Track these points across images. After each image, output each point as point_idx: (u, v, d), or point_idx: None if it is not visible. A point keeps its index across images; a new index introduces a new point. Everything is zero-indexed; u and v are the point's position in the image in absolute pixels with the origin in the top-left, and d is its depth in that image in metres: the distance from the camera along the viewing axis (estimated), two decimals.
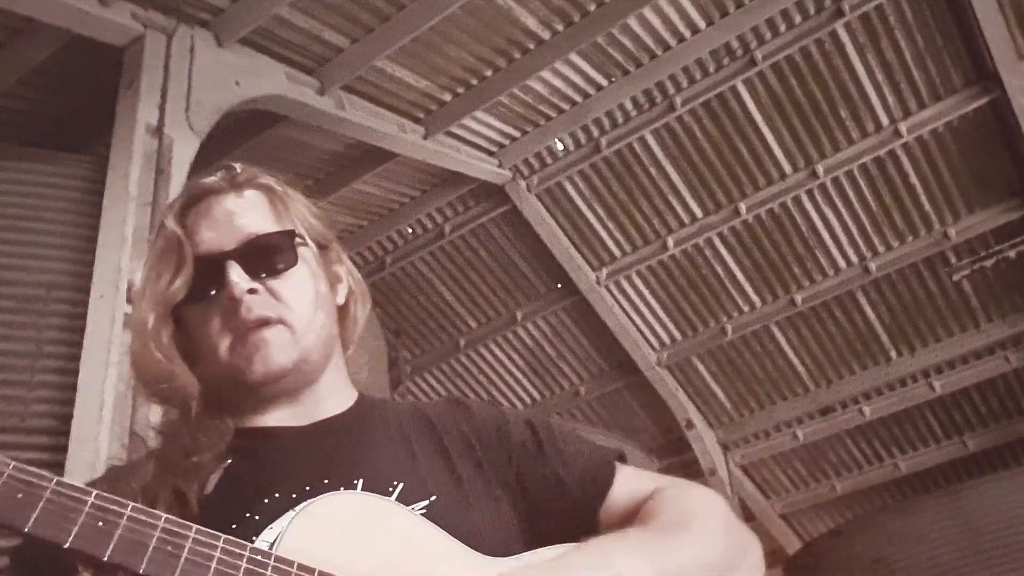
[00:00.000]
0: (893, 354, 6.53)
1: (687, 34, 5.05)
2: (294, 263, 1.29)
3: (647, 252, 6.11)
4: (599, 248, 6.13)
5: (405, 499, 1.16)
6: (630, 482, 1.28)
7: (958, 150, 5.55)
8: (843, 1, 4.95)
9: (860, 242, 5.98)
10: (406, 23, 4.46)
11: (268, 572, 0.99)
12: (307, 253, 1.32)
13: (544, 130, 5.51)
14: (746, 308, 6.38)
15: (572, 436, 1.33)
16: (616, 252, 6.14)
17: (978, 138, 5.48)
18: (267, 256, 1.28)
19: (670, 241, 6.03)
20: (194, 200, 1.33)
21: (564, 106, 5.38)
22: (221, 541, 0.98)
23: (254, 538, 1.06)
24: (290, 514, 1.08)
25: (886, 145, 5.51)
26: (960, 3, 4.92)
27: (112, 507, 0.96)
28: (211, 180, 1.35)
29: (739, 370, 6.74)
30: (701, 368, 6.75)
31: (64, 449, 3.28)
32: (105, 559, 0.93)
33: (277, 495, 1.14)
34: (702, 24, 5.01)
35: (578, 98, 5.35)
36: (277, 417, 1.28)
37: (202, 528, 0.99)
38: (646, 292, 6.32)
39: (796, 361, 6.65)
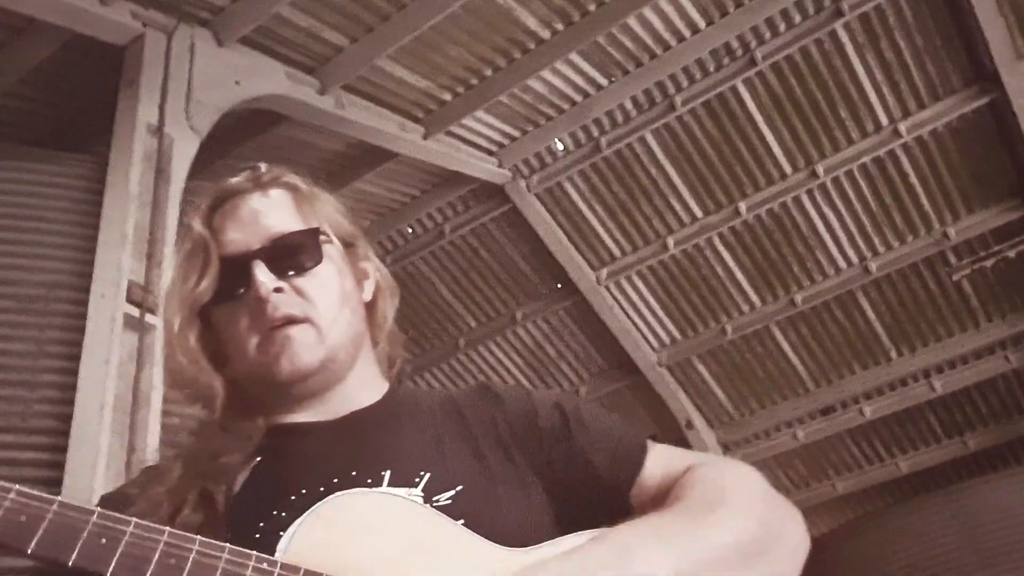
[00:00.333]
0: (893, 354, 6.53)
1: (687, 34, 5.05)
2: (319, 261, 1.30)
3: (647, 252, 6.11)
4: (599, 248, 6.14)
5: (431, 489, 1.15)
6: (663, 461, 1.25)
7: (958, 150, 5.55)
8: (843, 1, 4.95)
9: (860, 242, 5.98)
10: (406, 22, 4.47)
11: None
12: (332, 251, 1.32)
13: (544, 130, 5.51)
14: (746, 308, 6.38)
15: (603, 417, 1.31)
16: (616, 252, 6.14)
17: (977, 138, 5.48)
18: (293, 255, 1.28)
19: (670, 241, 6.03)
20: (220, 201, 1.33)
21: (564, 106, 5.39)
22: (225, 552, 0.99)
23: (281, 535, 1.06)
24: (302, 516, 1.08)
25: (886, 145, 5.51)
26: (960, 3, 4.92)
27: (115, 524, 0.97)
28: (236, 180, 1.35)
29: (739, 370, 6.74)
30: (701, 368, 6.75)
31: (64, 448, 3.29)
32: (108, 575, 0.94)
33: (304, 491, 1.14)
34: (702, 24, 5.02)
35: (578, 98, 5.35)
36: (306, 414, 1.28)
37: (206, 540, 0.99)
38: (646, 292, 6.33)
39: (796, 361, 6.65)
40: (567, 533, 1.12)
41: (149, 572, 0.95)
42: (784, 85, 5.32)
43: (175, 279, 1.31)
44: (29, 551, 0.93)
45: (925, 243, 5.92)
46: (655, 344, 6.61)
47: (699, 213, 5.91)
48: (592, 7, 4.71)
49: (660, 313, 6.44)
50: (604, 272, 6.21)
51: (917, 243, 5.94)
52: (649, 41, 5.04)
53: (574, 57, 5.01)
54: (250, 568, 0.98)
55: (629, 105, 5.45)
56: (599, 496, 1.22)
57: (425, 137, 5.22)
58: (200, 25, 4.24)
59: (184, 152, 3.92)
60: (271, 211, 1.31)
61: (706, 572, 1.06)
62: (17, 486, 0.95)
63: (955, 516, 6.29)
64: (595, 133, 5.59)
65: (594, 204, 5.92)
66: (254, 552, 1.00)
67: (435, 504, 1.14)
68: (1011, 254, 5.84)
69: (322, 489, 1.13)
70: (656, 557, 1.03)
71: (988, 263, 5.89)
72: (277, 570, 0.99)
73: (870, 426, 6.90)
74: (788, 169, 5.68)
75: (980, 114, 5.36)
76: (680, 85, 5.35)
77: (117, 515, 0.98)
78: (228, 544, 1.00)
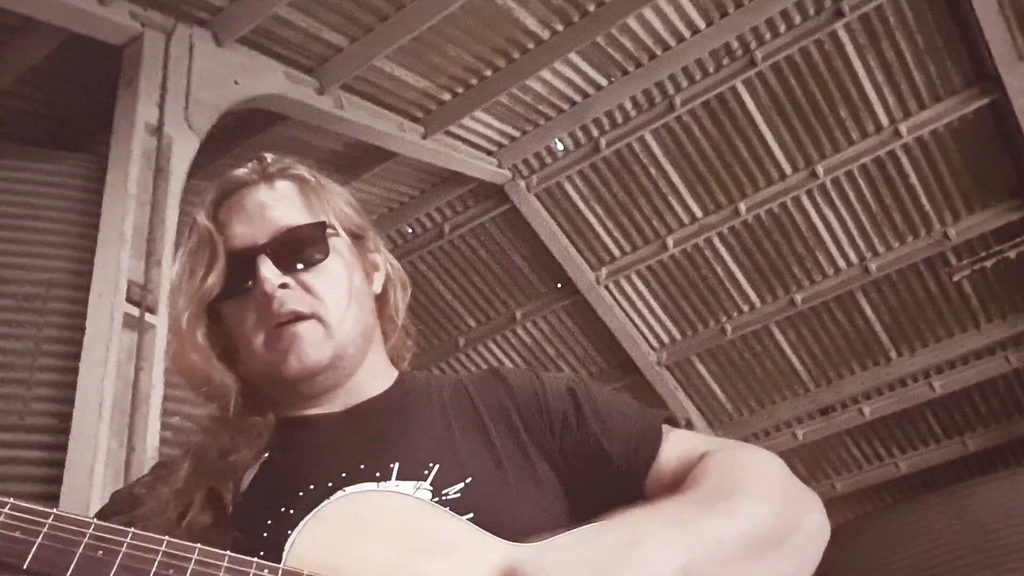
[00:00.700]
0: (893, 354, 6.53)
1: (687, 34, 5.05)
2: (327, 255, 1.27)
3: (647, 252, 6.11)
4: (599, 248, 6.13)
5: (440, 481, 1.13)
6: (679, 446, 1.21)
7: (958, 151, 5.55)
8: (843, 2, 4.94)
9: (860, 242, 5.97)
10: (405, 22, 4.46)
11: None
12: (340, 244, 1.30)
13: (544, 130, 5.51)
14: (746, 308, 6.38)
15: (616, 401, 1.27)
16: (616, 252, 6.14)
17: (978, 139, 5.47)
18: (299, 249, 1.26)
19: (670, 241, 6.03)
20: (226, 194, 1.31)
21: (564, 106, 5.38)
22: (225, 560, 0.97)
23: (289, 532, 1.04)
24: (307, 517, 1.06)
25: (886, 146, 5.50)
26: (960, 4, 4.91)
27: (112, 536, 0.95)
28: (242, 172, 1.33)
29: (739, 370, 6.74)
30: (701, 368, 6.75)
31: (64, 447, 3.29)
32: None
33: (312, 487, 1.13)
34: (702, 24, 5.01)
35: (578, 98, 5.34)
36: (316, 409, 1.26)
37: (205, 549, 0.97)
38: (646, 292, 6.32)
39: (796, 361, 6.65)
40: (580, 523, 1.07)
41: None
42: (784, 85, 5.31)
43: (181, 274, 1.28)
44: (25, 567, 0.91)
45: (925, 243, 5.92)
46: (654, 344, 6.61)
47: (699, 213, 5.91)
48: (591, 7, 4.71)
49: (660, 313, 6.44)
50: (603, 272, 6.21)
51: (917, 243, 5.94)
52: (649, 41, 5.04)
53: (573, 57, 5.01)
54: (251, 575, 0.97)
55: (629, 105, 5.44)
56: (613, 484, 1.19)
57: (424, 137, 5.22)
58: (199, 25, 4.24)
59: (183, 152, 3.92)
60: (277, 204, 1.29)
61: (718, 563, 1.01)
62: (12, 500, 0.94)
63: (955, 516, 6.29)
64: (595, 133, 5.59)
65: (594, 204, 5.92)
66: (255, 560, 0.99)
67: (444, 497, 1.12)
68: (1011, 254, 5.84)
69: (330, 484, 1.12)
70: (666, 547, 0.99)
71: (988, 263, 5.89)
72: None
73: (870, 426, 6.90)
74: (788, 169, 5.68)
75: (981, 115, 5.36)
76: (680, 85, 5.34)
77: (114, 526, 0.96)
78: (228, 552, 0.98)
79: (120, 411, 3.35)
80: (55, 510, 0.95)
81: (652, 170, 5.71)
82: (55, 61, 4.24)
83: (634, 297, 6.33)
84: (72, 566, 0.92)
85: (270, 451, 1.20)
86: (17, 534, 0.92)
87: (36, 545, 0.92)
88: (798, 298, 6.24)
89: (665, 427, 1.24)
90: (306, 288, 1.24)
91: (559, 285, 6.35)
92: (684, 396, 6.87)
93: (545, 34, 4.82)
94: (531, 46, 4.87)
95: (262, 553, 1.00)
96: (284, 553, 1.02)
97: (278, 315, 1.22)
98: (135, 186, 3.72)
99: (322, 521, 1.04)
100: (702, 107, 5.41)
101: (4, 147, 4.09)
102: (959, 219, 5.82)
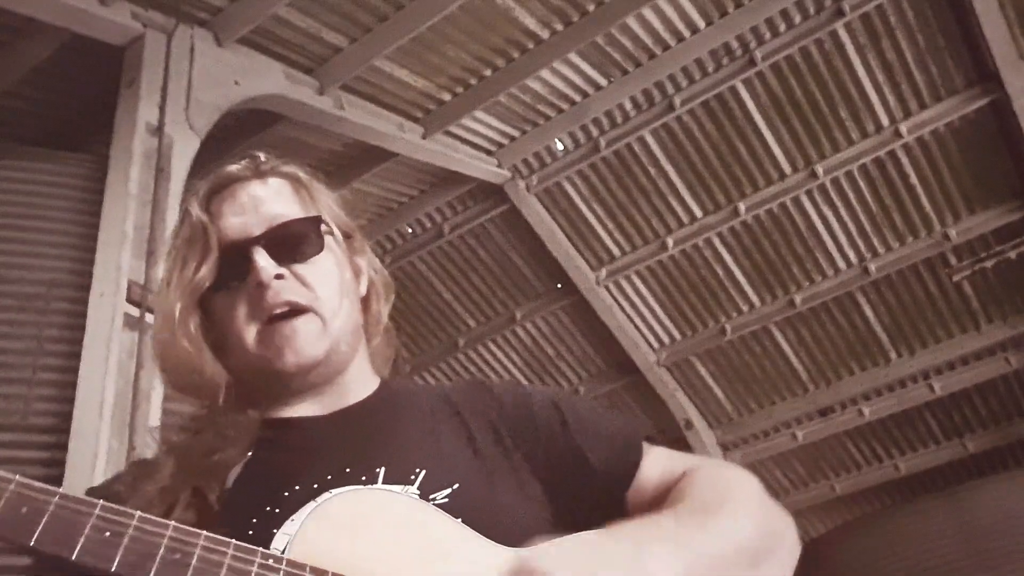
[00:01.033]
0: (893, 355, 6.53)
1: (686, 34, 5.05)
2: (321, 249, 1.27)
3: (646, 252, 6.11)
4: (598, 248, 6.14)
5: (428, 487, 1.13)
6: (660, 463, 1.23)
7: (959, 151, 5.55)
8: (843, 1, 4.95)
9: (860, 243, 5.98)
10: (405, 23, 4.47)
11: None
12: (333, 241, 1.30)
13: (543, 130, 5.51)
14: (745, 308, 6.38)
15: (601, 415, 1.29)
16: (615, 252, 6.14)
17: (979, 139, 5.48)
18: (294, 242, 1.26)
19: (669, 241, 6.03)
20: (219, 187, 1.30)
21: (563, 106, 5.39)
22: (231, 548, 0.97)
23: (275, 531, 1.05)
24: (304, 510, 1.06)
25: (886, 146, 5.51)
26: (961, 4, 4.92)
27: (118, 517, 0.94)
28: (235, 167, 1.32)
29: (738, 370, 6.74)
30: (700, 368, 6.75)
31: (64, 446, 3.30)
32: (112, 570, 0.92)
33: (297, 487, 1.12)
34: (701, 24, 5.01)
35: (577, 98, 5.35)
36: (302, 408, 1.25)
37: (211, 535, 0.97)
38: (645, 292, 6.33)
39: (795, 361, 6.65)
40: (564, 534, 1.08)
41: (154, 567, 0.93)
42: (784, 85, 5.31)
43: (172, 266, 1.27)
44: (31, 544, 0.91)
45: (925, 244, 5.92)
46: (654, 344, 6.61)
47: (698, 213, 5.91)
48: (591, 7, 4.72)
49: (659, 313, 6.44)
50: (603, 272, 6.21)
51: (917, 244, 5.94)
52: (648, 41, 5.04)
53: (573, 57, 5.01)
54: (256, 564, 0.97)
55: (628, 105, 5.44)
56: (595, 495, 1.21)
57: (424, 137, 5.23)
58: (199, 25, 4.25)
59: (184, 152, 3.93)
60: (271, 198, 1.29)
61: (715, 573, 1.04)
62: (17, 476, 0.92)
63: (954, 518, 6.29)
64: (594, 133, 5.59)
65: (593, 204, 5.92)
66: (259, 548, 0.98)
67: (432, 502, 1.12)
68: (1012, 255, 5.84)
69: (316, 486, 1.12)
70: (667, 557, 1.01)
71: (988, 264, 5.89)
72: (283, 567, 0.98)
73: (869, 427, 6.90)
74: (788, 169, 5.68)
75: (981, 115, 5.36)
76: (679, 85, 5.34)
77: (121, 508, 0.95)
78: (233, 540, 0.98)
79: (121, 410, 3.36)
80: (61, 491, 0.94)
81: (652, 170, 5.72)
82: (56, 61, 4.24)
83: (634, 297, 6.33)
84: (79, 546, 0.91)
85: (255, 450, 1.19)
86: (24, 511, 0.91)
87: (43, 523, 0.91)
88: (798, 299, 6.24)
89: (646, 444, 1.26)
90: (300, 280, 1.24)
91: (558, 285, 6.35)
92: (683, 396, 6.87)
93: (544, 34, 4.82)
94: (531, 46, 4.88)
95: None
96: (276, 549, 1.02)
97: (272, 306, 1.21)
98: (136, 186, 3.73)
99: (324, 517, 1.04)
100: (702, 107, 5.41)
101: (6, 147, 4.10)
102: (959, 219, 5.82)
